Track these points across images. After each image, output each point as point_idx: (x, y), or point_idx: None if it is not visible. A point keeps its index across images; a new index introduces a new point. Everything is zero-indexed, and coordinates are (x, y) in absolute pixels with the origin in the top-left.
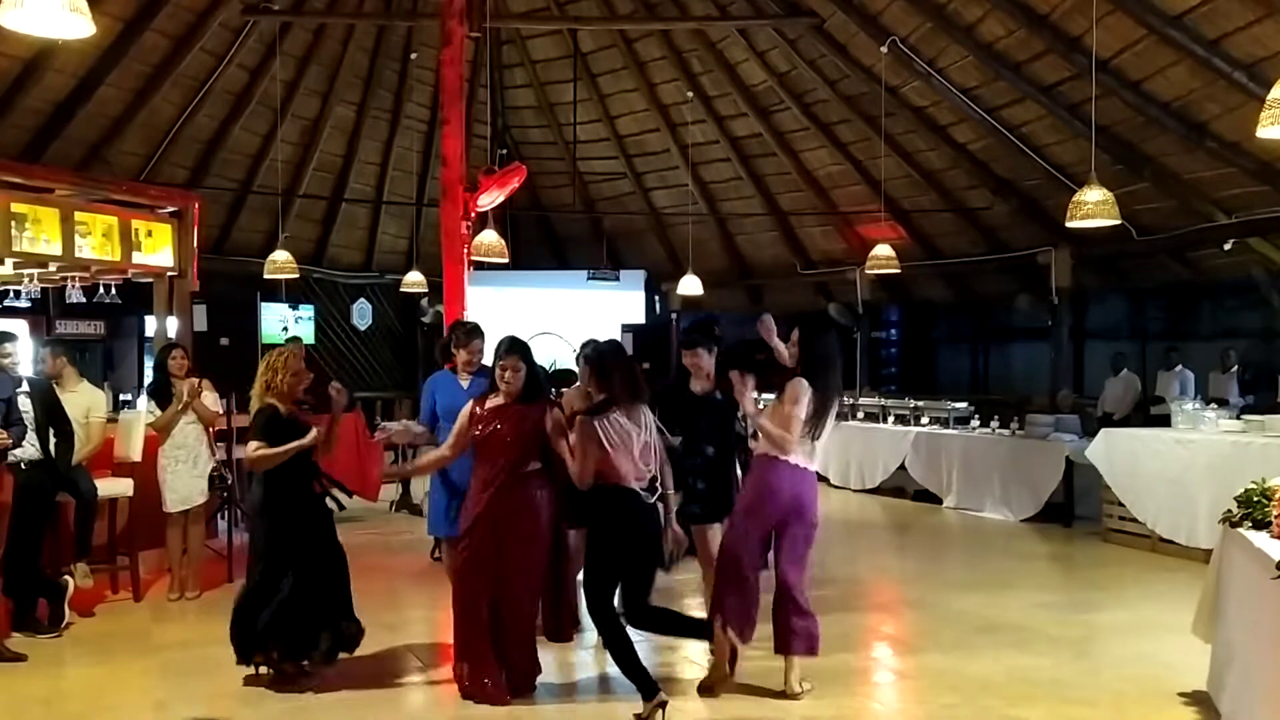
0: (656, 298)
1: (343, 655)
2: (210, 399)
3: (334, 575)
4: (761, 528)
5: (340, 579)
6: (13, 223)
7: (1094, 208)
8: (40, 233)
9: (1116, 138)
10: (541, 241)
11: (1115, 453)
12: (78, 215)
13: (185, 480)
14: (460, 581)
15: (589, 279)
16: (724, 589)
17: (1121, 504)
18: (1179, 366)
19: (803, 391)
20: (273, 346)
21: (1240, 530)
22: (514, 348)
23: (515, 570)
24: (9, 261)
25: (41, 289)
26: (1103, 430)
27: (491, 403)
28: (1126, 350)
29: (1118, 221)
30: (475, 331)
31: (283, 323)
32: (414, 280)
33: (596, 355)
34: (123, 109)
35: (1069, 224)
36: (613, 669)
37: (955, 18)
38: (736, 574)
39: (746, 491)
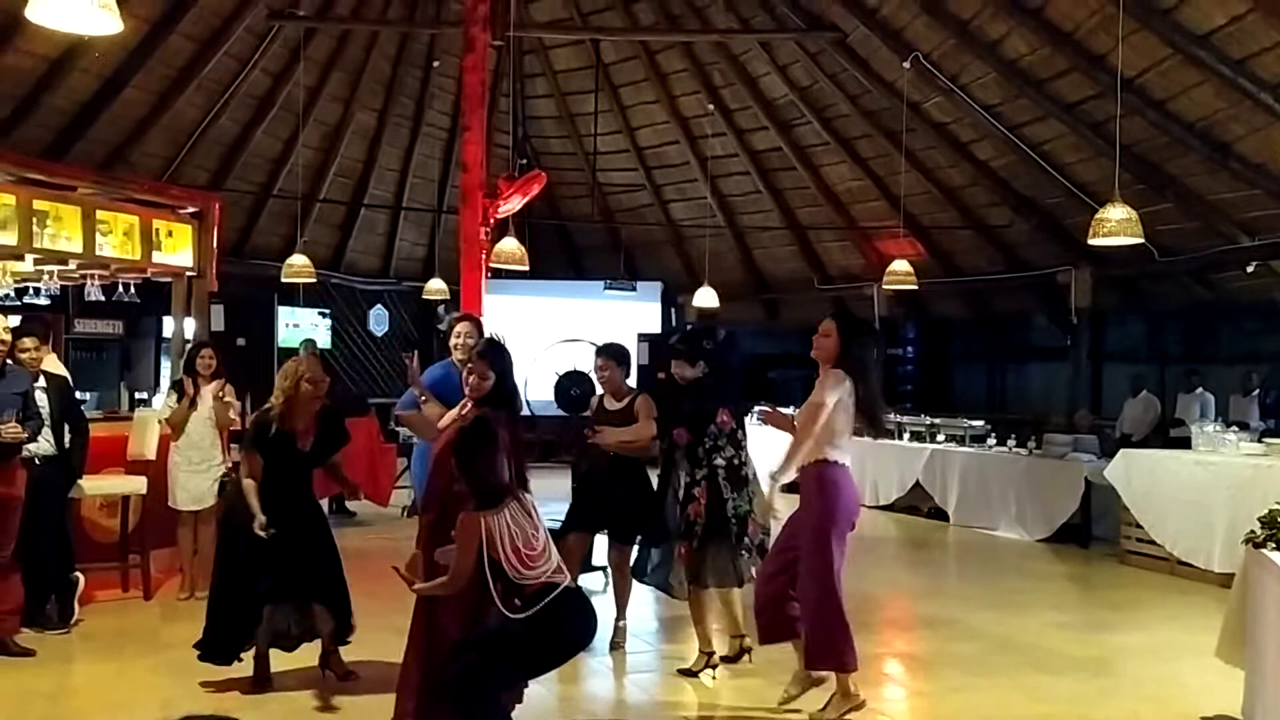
0: (672, 309)
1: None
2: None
3: (310, 565)
4: (843, 541)
5: (324, 570)
6: (34, 219)
7: (1117, 225)
8: (61, 230)
9: (1139, 157)
10: (559, 251)
11: (1134, 473)
12: (99, 214)
13: (197, 480)
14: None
15: (605, 289)
16: (837, 624)
17: (1140, 525)
18: (1199, 389)
19: (835, 382)
20: (290, 351)
21: (1264, 551)
22: (486, 351)
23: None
24: (29, 258)
25: (61, 287)
26: (1122, 450)
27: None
28: (1145, 373)
29: (1140, 240)
30: (461, 317)
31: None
32: (435, 288)
33: (475, 429)
34: (147, 111)
35: (1091, 241)
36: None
37: (979, 34)
38: (840, 603)
39: (814, 507)
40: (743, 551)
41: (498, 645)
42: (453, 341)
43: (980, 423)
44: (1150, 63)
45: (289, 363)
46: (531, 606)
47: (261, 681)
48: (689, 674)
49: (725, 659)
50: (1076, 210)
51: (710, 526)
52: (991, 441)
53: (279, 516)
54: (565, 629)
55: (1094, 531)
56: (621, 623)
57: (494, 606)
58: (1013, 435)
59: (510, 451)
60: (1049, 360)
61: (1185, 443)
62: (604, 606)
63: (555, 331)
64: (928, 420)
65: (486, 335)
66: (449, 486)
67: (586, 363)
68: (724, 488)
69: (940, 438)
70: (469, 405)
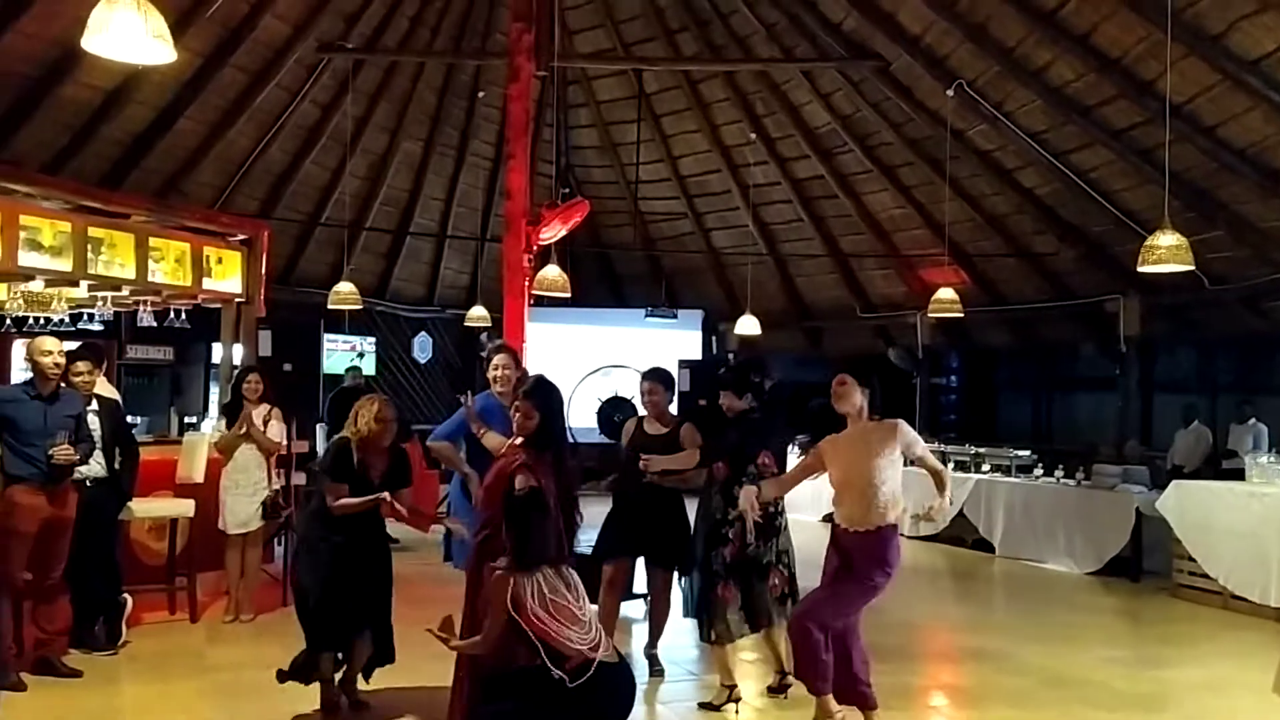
0: (714, 337)
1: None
2: (276, 429)
3: (374, 590)
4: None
5: (382, 596)
6: (89, 246)
7: (1166, 252)
8: (115, 256)
9: (1189, 184)
10: (601, 279)
11: (1186, 505)
12: (152, 241)
13: (244, 504)
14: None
15: (647, 316)
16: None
17: (1192, 558)
18: (1252, 419)
19: (908, 428)
20: (336, 377)
21: None
22: (533, 390)
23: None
24: (84, 284)
25: (114, 313)
26: (1174, 482)
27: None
28: (1196, 403)
29: (1190, 268)
30: (498, 349)
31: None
32: (477, 315)
33: (529, 500)
34: (199, 141)
35: (1140, 269)
36: None
37: (1024, 61)
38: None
39: (873, 563)
40: (769, 593)
41: (533, 701)
42: (491, 374)
43: (1026, 453)
44: (1199, 89)
45: (363, 402)
46: (572, 679)
47: (332, 707)
48: (710, 708)
49: (769, 689)
50: (1125, 238)
51: (744, 569)
52: (1038, 472)
53: (358, 544)
54: (601, 708)
55: (1145, 564)
56: (655, 650)
57: (527, 656)
58: (1060, 466)
59: (559, 509)
60: (1097, 390)
61: (1238, 474)
62: (645, 634)
63: (597, 359)
64: (972, 450)
65: (534, 375)
66: (489, 543)
67: (626, 389)
68: (750, 533)
69: (985, 467)
70: (518, 441)
